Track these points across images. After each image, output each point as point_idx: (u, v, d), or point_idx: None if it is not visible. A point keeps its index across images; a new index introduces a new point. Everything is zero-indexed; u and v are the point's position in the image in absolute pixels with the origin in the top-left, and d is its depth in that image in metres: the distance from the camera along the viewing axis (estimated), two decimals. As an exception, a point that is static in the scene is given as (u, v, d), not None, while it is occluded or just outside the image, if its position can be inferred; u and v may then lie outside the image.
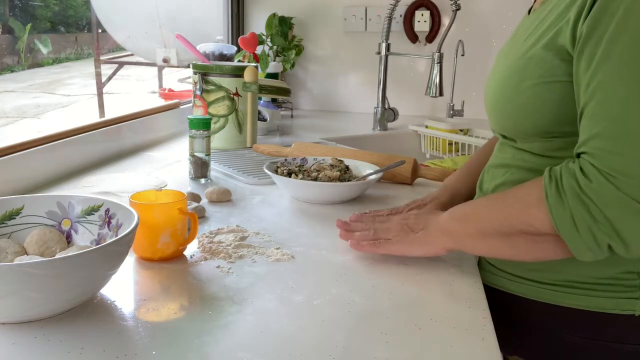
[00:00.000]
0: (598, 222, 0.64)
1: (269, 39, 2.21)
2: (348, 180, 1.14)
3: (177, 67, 3.59)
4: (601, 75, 0.67)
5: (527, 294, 0.84)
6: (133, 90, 6.46)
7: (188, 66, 1.79)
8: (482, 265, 0.90)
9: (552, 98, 0.76)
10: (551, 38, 0.75)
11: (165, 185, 1.19)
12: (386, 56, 1.97)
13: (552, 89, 0.76)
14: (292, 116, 2.22)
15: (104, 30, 4.19)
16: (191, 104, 1.63)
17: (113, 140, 1.47)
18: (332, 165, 1.18)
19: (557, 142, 0.79)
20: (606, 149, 0.65)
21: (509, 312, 0.86)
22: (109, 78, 5.10)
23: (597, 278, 0.79)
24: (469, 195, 1.04)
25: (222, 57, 1.91)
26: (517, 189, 0.74)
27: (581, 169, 0.67)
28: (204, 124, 1.22)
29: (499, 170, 0.89)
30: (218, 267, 0.81)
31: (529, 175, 0.82)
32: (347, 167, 1.18)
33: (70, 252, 0.73)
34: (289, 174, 1.16)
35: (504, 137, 0.89)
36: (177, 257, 0.84)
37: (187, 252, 0.85)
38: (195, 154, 1.24)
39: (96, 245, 0.75)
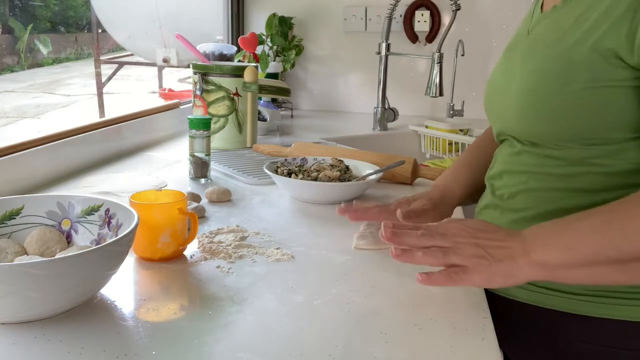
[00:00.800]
0: None
1: (269, 39, 2.21)
2: (348, 180, 1.14)
3: (177, 67, 3.59)
4: None
5: (543, 303, 0.82)
6: (133, 90, 6.46)
7: (188, 66, 1.79)
8: None
9: (596, 103, 0.73)
10: (597, 40, 0.72)
11: (165, 185, 1.19)
12: (386, 56, 1.97)
13: (598, 94, 0.73)
14: (292, 116, 2.22)
15: (104, 30, 4.19)
16: (191, 104, 1.63)
17: (113, 140, 1.47)
18: (332, 165, 1.18)
19: (596, 149, 0.76)
20: None
21: (522, 321, 0.85)
22: (109, 78, 5.10)
23: (627, 286, 0.76)
24: (462, 194, 1.00)
25: (222, 57, 1.91)
26: (627, 209, 0.66)
27: None
28: (204, 124, 1.22)
29: (519, 176, 0.85)
30: (218, 267, 0.81)
31: (558, 183, 0.80)
32: (347, 167, 1.18)
33: (70, 252, 0.73)
34: (289, 174, 1.16)
35: (520, 142, 0.85)
36: (177, 257, 0.84)
37: (187, 252, 0.85)
38: (195, 154, 1.24)
39: (96, 245, 0.75)
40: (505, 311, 0.85)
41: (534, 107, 0.79)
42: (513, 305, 0.85)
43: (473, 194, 1.01)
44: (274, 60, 2.22)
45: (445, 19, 2.22)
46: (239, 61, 2.01)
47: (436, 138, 1.86)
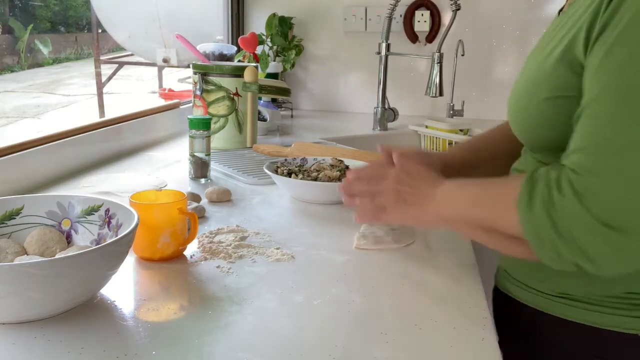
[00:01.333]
0: (563, 238, 0.62)
1: (269, 39, 2.21)
2: (348, 180, 1.14)
3: (177, 67, 3.59)
4: (597, 86, 0.63)
5: (533, 303, 0.82)
6: (133, 90, 6.46)
7: (188, 66, 1.80)
8: (498, 269, 0.90)
9: (564, 114, 0.72)
10: (566, 48, 0.71)
11: (165, 185, 1.19)
12: (386, 56, 1.97)
13: (564, 104, 0.72)
14: (292, 116, 2.22)
15: (104, 30, 4.20)
16: (191, 104, 1.63)
17: (113, 140, 1.47)
18: (332, 165, 1.18)
19: None
20: (585, 166, 0.62)
21: (516, 320, 0.85)
22: (109, 78, 5.10)
23: (601, 296, 0.76)
24: (460, 169, 0.97)
25: (222, 57, 1.91)
26: (502, 185, 0.73)
27: (558, 181, 0.64)
28: (204, 124, 1.23)
29: (517, 174, 0.87)
30: (218, 267, 0.81)
31: None
32: (347, 167, 1.18)
33: (70, 252, 0.73)
34: (289, 174, 1.16)
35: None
36: (177, 257, 0.84)
37: (187, 252, 0.85)
38: (195, 154, 1.24)
39: (96, 245, 0.75)
40: (505, 311, 0.85)
41: (518, 113, 0.81)
42: (513, 305, 0.85)
43: (470, 162, 1.00)
44: (274, 60, 2.22)
45: (445, 19, 2.22)
46: (239, 61, 2.01)
47: (436, 138, 1.86)
